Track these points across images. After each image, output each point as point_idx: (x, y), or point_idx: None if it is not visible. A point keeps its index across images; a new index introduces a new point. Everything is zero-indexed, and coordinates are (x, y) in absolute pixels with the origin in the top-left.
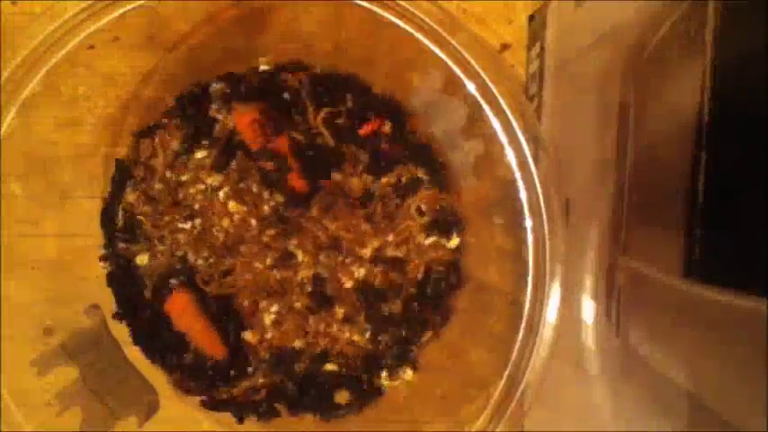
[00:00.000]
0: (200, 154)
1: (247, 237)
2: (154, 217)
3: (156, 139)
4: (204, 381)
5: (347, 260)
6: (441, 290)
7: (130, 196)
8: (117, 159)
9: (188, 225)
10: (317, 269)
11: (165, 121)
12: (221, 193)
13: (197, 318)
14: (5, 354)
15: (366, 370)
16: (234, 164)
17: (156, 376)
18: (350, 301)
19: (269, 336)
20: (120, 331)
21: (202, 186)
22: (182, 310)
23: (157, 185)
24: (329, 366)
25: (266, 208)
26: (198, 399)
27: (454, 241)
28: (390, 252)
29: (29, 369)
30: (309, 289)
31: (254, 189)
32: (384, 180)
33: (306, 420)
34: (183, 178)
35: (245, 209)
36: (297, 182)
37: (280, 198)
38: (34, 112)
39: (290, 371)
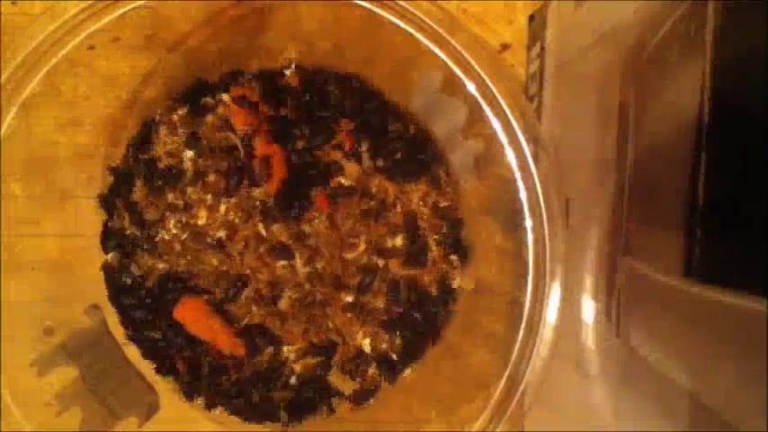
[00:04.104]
0: (197, 154)
1: (245, 237)
2: (152, 217)
3: (156, 140)
4: (205, 382)
5: (345, 260)
6: (441, 290)
7: (129, 196)
8: (116, 161)
9: (185, 226)
10: (315, 267)
11: (164, 121)
12: (217, 194)
13: (209, 319)
14: (5, 354)
15: (365, 369)
16: (231, 164)
17: (156, 376)
18: (348, 301)
19: (267, 335)
20: (121, 331)
21: (199, 187)
22: (193, 315)
23: (155, 186)
24: (328, 365)
25: (264, 209)
26: (198, 399)
27: (454, 241)
28: (389, 252)
29: (29, 369)
30: (307, 289)
31: (251, 189)
32: (382, 179)
33: (306, 419)
34: (181, 178)
35: (240, 209)
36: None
37: (276, 198)
38: (34, 112)
39: (289, 370)
